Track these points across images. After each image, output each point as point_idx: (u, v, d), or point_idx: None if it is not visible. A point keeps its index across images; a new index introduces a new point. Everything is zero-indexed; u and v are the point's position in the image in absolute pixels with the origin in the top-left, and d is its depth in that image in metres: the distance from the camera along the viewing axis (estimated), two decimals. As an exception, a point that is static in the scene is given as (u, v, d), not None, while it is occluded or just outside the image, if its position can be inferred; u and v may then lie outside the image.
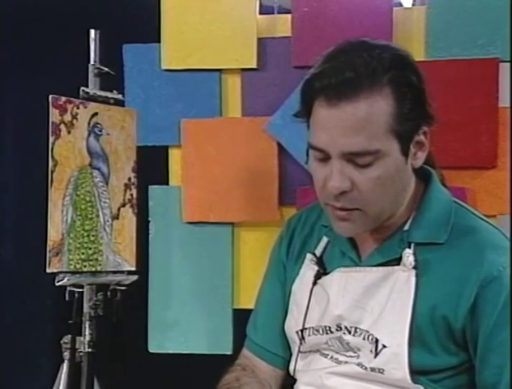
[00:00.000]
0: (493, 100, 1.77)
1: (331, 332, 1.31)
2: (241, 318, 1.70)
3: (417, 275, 1.23)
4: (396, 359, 1.21)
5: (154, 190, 1.99)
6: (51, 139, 1.76)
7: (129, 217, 1.91)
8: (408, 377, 1.21)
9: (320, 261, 1.37)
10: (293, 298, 1.40)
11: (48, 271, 1.75)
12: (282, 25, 1.91)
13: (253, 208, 1.90)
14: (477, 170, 1.79)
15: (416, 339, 1.21)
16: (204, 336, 1.96)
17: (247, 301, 1.95)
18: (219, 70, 1.94)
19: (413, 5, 2.01)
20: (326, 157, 1.20)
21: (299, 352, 1.37)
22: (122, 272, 1.90)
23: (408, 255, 1.24)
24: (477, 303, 1.20)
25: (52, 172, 1.76)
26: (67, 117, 1.79)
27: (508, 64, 1.77)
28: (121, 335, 2.07)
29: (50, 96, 1.76)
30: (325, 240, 1.39)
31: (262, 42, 1.91)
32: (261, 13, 1.93)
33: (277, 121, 1.88)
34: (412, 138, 1.22)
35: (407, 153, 1.22)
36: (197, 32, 1.93)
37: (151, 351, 1.97)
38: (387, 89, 1.17)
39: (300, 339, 1.35)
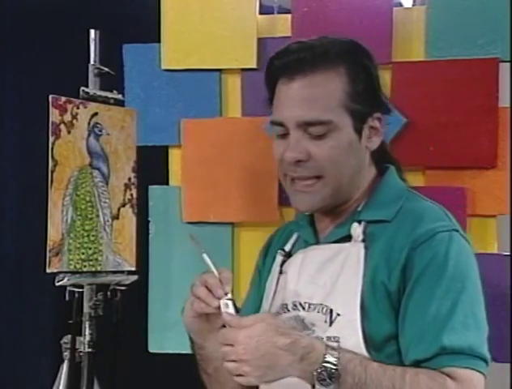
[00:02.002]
0: (493, 100, 1.77)
1: (288, 311, 1.35)
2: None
3: (366, 248, 1.29)
4: (350, 325, 1.25)
5: (154, 190, 1.99)
6: (51, 139, 1.76)
7: (129, 217, 1.91)
8: (362, 341, 1.23)
9: (288, 254, 1.44)
10: (265, 294, 1.45)
11: (48, 271, 1.75)
12: (282, 25, 1.91)
13: (253, 208, 1.90)
14: (477, 170, 1.79)
15: (363, 307, 1.25)
16: (204, 336, 1.96)
17: (247, 301, 1.96)
18: (219, 70, 1.94)
19: (413, 5, 2.01)
20: (285, 132, 1.31)
21: None
22: (122, 272, 1.91)
23: (356, 228, 1.31)
24: (407, 264, 1.24)
25: (52, 172, 1.76)
26: (67, 117, 1.79)
27: (508, 64, 1.77)
28: (121, 335, 2.06)
29: (50, 96, 1.77)
30: (294, 237, 1.46)
31: (262, 42, 1.91)
32: (261, 13, 1.93)
33: (277, 121, 1.88)
34: (366, 119, 1.33)
35: (361, 132, 1.32)
36: (197, 32, 1.93)
37: (151, 351, 1.96)
38: (342, 69, 1.30)
39: None
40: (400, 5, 2.02)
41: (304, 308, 1.33)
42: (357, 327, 1.24)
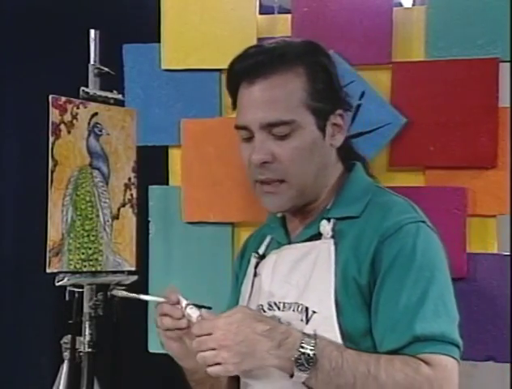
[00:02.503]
0: (493, 100, 1.77)
1: (264, 311, 1.36)
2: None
3: (336, 244, 1.31)
4: (326, 322, 1.26)
5: (154, 190, 1.99)
6: (51, 139, 1.76)
7: (129, 217, 1.91)
8: (339, 337, 1.24)
9: (262, 256, 1.47)
10: (241, 297, 1.48)
11: (48, 271, 1.75)
12: (282, 25, 1.91)
13: (253, 208, 1.89)
14: (477, 170, 1.79)
15: (337, 304, 1.27)
16: (204, 336, 1.96)
17: (247, 301, 1.95)
18: (219, 70, 1.94)
19: (413, 5, 2.01)
20: (250, 136, 1.35)
21: None
22: (122, 272, 1.90)
23: (325, 225, 1.34)
24: (375, 258, 1.26)
25: (52, 172, 1.76)
26: (67, 117, 1.79)
27: (508, 64, 1.77)
28: (121, 335, 2.06)
29: (50, 96, 1.76)
30: (268, 239, 1.49)
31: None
32: (261, 13, 1.93)
33: (277, 121, 1.88)
34: (328, 116, 1.36)
35: (324, 130, 1.36)
36: (197, 32, 1.93)
37: (151, 351, 1.96)
38: (300, 69, 1.33)
39: None
40: (400, 5, 2.02)
41: (279, 308, 1.34)
42: (333, 323, 1.25)
